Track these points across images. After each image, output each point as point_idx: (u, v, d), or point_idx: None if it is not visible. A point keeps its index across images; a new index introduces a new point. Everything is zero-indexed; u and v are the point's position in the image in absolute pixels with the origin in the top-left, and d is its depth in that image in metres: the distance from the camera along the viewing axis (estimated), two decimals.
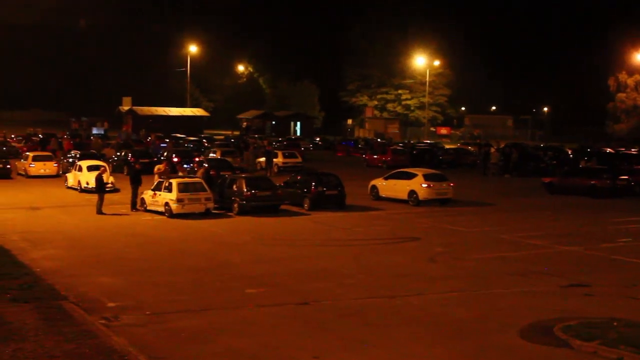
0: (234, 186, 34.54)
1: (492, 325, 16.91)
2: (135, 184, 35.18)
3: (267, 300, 18.87)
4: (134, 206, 34.80)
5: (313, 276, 21.72)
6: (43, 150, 60.13)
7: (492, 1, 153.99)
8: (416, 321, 17.21)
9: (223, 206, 34.55)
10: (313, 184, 36.16)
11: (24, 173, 49.72)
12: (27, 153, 53.34)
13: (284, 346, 15.29)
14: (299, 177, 38.22)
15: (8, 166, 49.38)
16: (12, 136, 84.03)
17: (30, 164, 49.42)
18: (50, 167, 49.88)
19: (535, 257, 25.18)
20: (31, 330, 15.08)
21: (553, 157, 60.73)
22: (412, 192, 37.77)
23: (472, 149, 72.89)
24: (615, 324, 16.35)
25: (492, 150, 61.96)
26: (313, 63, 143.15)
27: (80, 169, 42.11)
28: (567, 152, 67.61)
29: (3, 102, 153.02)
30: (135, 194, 35.05)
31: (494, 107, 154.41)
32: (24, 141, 75.00)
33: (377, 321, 17.17)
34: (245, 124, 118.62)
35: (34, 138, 77.85)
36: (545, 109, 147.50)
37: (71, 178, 43.02)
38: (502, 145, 67.66)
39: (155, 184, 34.43)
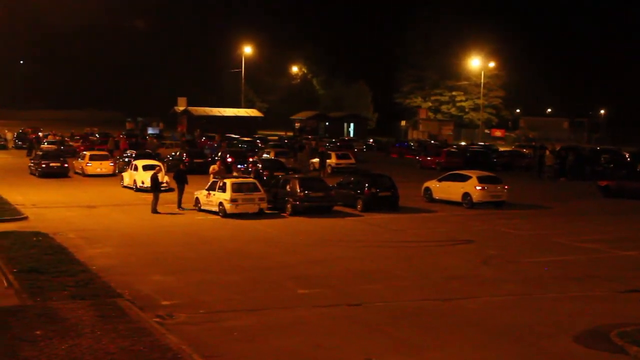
0: (288, 187, 34.65)
1: (546, 329, 16.71)
2: (180, 183, 35.68)
3: (319, 301, 18.90)
4: (179, 205, 35.29)
5: (366, 277, 21.70)
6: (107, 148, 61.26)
7: (547, 2, 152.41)
8: (469, 324, 17.09)
9: (276, 206, 34.66)
10: (366, 185, 36.09)
11: (81, 172, 50.46)
12: (84, 152, 54.11)
13: (337, 347, 15.29)
14: (352, 178, 38.18)
15: (66, 165, 50.20)
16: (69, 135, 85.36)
17: (87, 163, 50.14)
18: (106, 166, 50.56)
19: (591, 262, 24.83)
20: (87, 327, 15.29)
21: (610, 160, 59.77)
22: (466, 195, 37.49)
23: (527, 152, 71.99)
24: None
25: (548, 152, 61.22)
26: (367, 64, 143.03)
27: (135, 169, 42.59)
28: (625, 156, 66.53)
29: (60, 102, 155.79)
30: (180, 193, 35.57)
31: (549, 110, 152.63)
32: (81, 140, 76.10)
33: (430, 324, 17.09)
34: (298, 124, 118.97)
35: (91, 137, 79.07)
36: (602, 111, 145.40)
37: (127, 177, 43.55)
38: (557, 148, 66.83)
39: (209, 183, 34.69)
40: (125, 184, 43.54)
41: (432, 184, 39.91)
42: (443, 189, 39.06)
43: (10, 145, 79.00)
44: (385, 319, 17.37)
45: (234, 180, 33.90)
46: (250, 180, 34.99)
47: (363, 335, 16.14)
